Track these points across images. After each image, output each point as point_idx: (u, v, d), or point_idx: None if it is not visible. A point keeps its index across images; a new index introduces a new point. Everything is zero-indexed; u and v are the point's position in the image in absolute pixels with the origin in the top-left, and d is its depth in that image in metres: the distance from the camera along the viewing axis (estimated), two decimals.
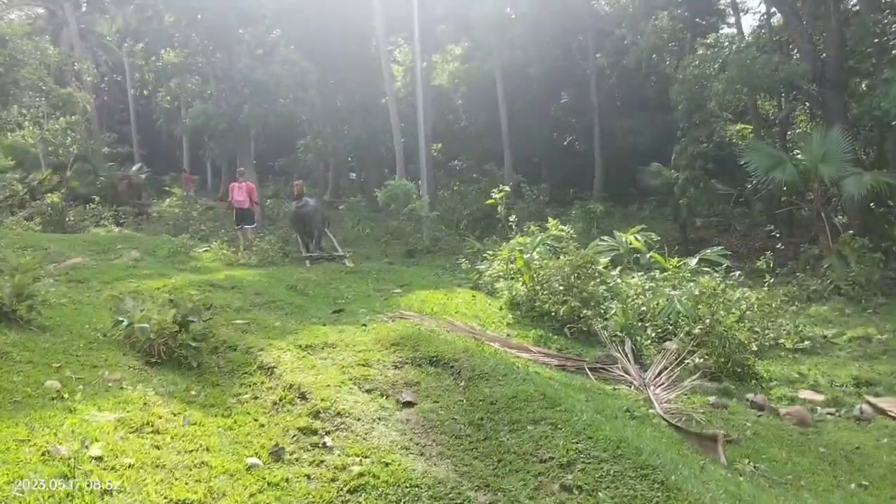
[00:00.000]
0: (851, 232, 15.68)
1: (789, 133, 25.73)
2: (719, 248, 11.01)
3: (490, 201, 15.47)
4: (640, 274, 11.06)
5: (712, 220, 25.69)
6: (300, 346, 6.86)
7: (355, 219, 18.47)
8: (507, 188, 15.01)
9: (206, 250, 14.80)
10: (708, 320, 8.40)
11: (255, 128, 22.16)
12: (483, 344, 8.37)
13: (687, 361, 8.29)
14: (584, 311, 9.50)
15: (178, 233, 18.81)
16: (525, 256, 9.97)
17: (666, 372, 7.97)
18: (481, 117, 41.00)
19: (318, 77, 26.13)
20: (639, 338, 8.99)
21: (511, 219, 14.03)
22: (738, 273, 11.48)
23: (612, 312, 9.92)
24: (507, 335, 9.32)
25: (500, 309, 10.58)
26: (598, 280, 9.87)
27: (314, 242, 16.11)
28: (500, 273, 11.89)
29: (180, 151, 39.66)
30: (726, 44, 21.28)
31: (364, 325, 8.35)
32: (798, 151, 17.58)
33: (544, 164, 39.85)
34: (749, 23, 31.16)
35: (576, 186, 36.83)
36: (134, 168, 31.00)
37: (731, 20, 31.40)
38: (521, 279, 10.82)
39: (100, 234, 18.10)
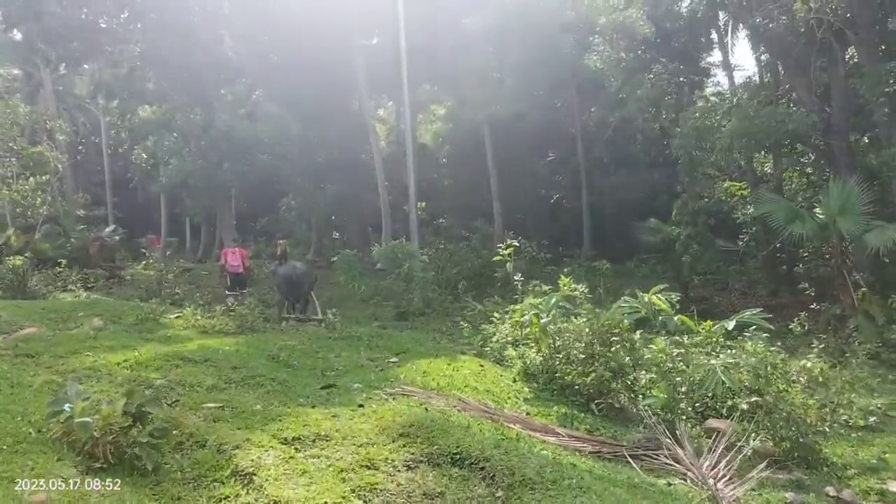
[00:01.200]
0: (864, 289, 14.72)
1: (786, 189, 25.09)
2: (757, 309, 9.82)
3: (498, 257, 14.27)
4: (664, 339, 9.85)
5: (709, 277, 24.77)
6: (286, 441, 5.51)
7: (349, 274, 17.22)
8: (515, 243, 13.85)
9: (179, 316, 13.37)
10: (769, 396, 7.15)
11: (235, 185, 21.02)
12: (504, 426, 7.06)
13: (739, 444, 7.02)
14: (614, 385, 8.23)
15: (151, 297, 17.44)
16: (542, 321, 8.74)
17: (720, 458, 6.69)
18: (465, 175, 40.38)
19: (300, 132, 25.20)
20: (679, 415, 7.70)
21: (516, 277, 12.81)
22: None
23: (643, 383, 8.68)
24: (527, 413, 8.00)
25: (514, 381, 9.26)
26: (627, 347, 8.63)
27: (299, 307, 15.53)
28: (510, 338, 10.60)
29: (159, 213, 38.38)
30: (727, 95, 20.60)
31: (361, 405, 7.01)
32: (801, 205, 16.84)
33: (531, 221, 39.12)
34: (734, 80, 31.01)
35: (563, 244, 36.10)
36: (108, 230, 29.62)
37: (716, 78, 31.35)
38: (534, 346, 9.55)
39: (64, 300, 16.65)
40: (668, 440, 7.02)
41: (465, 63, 30.24)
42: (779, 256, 24.63)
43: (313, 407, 7.01)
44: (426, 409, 7.00)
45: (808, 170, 24.81)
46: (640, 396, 8.42)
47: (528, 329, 9.26)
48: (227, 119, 20.93)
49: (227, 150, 20.83)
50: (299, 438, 5.55)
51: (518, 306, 10.94)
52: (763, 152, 18.88)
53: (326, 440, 5.51)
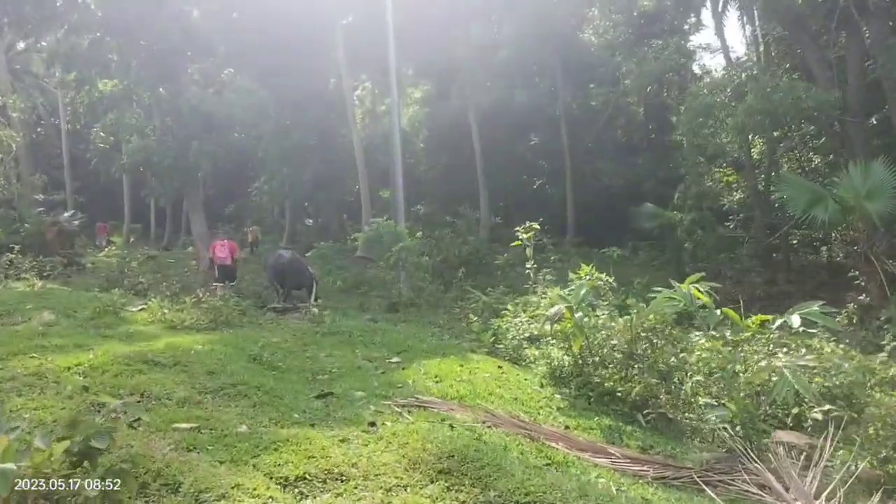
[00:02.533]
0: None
1: (773, 174, 24.10)
2: (818, 302, 8.58)
3: (516, 243, 12.82)
4: (701, 336, 8.60)
5: (700, 266, 23.75)
6: (287, 482, 4.12)
7: (325, 268, 15.70)
8: (536, 226, 12.45)
9: (143, 309, 11.80)
10: (871, 407, 5.92)
11: (204, 166, 19.30)
12: (546, 446, 5.76)
13: (824, 464, 5.79)
14: (664, 394, 6.95)
15: (112, 287, 15.74)
16: (577, 315, 7.42)
17: (813, 482, 5.46)
18: (444, 160, 39.10)
19: (276, 112, 23.53)
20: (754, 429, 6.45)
21: (528, 265, 11.46)
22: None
23: (688, 389, 7.42)
24: (566, 427, 6.68)
25: (542, 386, 7.92)
26: (674, 347, 7.36)
27: (287, 292, 14.91)
28: (527, 335, 9.27)
29: (122, 197, 36.28)
30: (736, 71, 19.39)
31: (372, 423, 5.64)
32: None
33: (514, 207, 37.98)
34: (721, 62, 29.85)
35: (547, 231, 34.98)
36: (66, 214, 27.65)
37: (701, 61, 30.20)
38: (562, 345, 8.21)
39: (14, 290, 14.90)
40: (750, 462, 5.76)
41: (451, 41, 28.83)
42: (774, 244, 23.72)
43: (312, 426, 5.60)
44: (451, 427, 5.66)
45: (811, 154, 23.83)
46: (695, 405, 7.14)
47: (555, 325, 7.90)
48: (196, 92, 19.20)
49: (195, 128, 19.10)
50: (304, 478, 4.17)
51: (535, 298, 9.61)
52: (778, 132, 17.72)
53: (341, 481, 4.14)
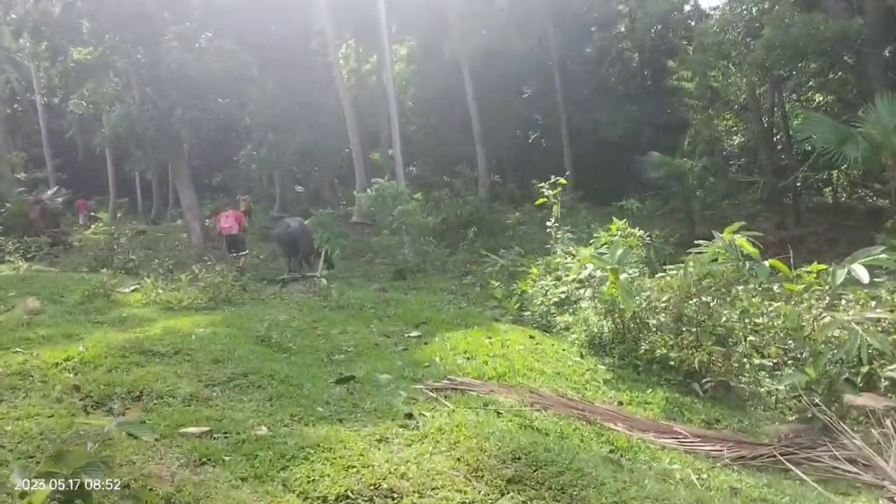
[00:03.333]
0: None
1: (792, 114, 23.21)
2: (879, 247, 7.82)
3: (541, 200, 11.81)
4: (748, 289, 7.88)
5: (707, 213, 23.02)
6: (324, 503, 3.40)
7: (324, 236, 14.88)
8: (563, 180, 11.51)
9: (136, 289, 11.00)
10: None
11: (189, 135, 18.28)
12: (604, 428, 5.06)
13: None
14: (722, 359, 6.24)
15: (101, 266, 14.90)
16: (622, 278, 6.64)
17: None
18: (435, 119, 37.98)
19: (259, 75, 22.37)
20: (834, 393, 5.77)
21: (549, 224, 10.63)
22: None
23: (743, 348, 6.73)
24: (620, 404, 5.98)
25: (581, 356, 7.21)
26: (737, 308, 6.64)
27: (299, 262, 14.52)
28: (558, 299, 8.51)
29: (106, 172, 35.04)
30: (747, 5, 18.29)
31: (409, 415, 4.91)
32: None
33: (509, 163, 37.07)
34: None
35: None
36: (49, 192, 26.59)
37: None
38: (600, 310, 7.44)
39: None
40: (840, 434, 5.10)
41: None
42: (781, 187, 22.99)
43: (341, 421, 4.88)
44: (498, 414, 4.96)
45: (814, 93, 22.94)
46: (753, 371, 6.44)
47: (592, 288, 7.15)
48: (176, 56, 18.09)
49: (177, 95, 18.05)
50: (347, 497, 3.43)
51: (559, 258, 8.84)
52: (802, 62, 16.74)
53: (392, 498, 3.40)
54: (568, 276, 8.33)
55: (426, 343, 7.71)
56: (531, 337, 7.69)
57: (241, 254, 15.17)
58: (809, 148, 14.07)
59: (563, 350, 7.36)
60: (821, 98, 23.85)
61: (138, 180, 37.50)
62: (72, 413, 4.81)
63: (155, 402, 5.25)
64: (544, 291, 8.73)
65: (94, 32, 19.52)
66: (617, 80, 37.37)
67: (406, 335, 8.28)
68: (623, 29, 34.89)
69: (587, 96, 35.12)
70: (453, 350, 7.15)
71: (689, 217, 19.34)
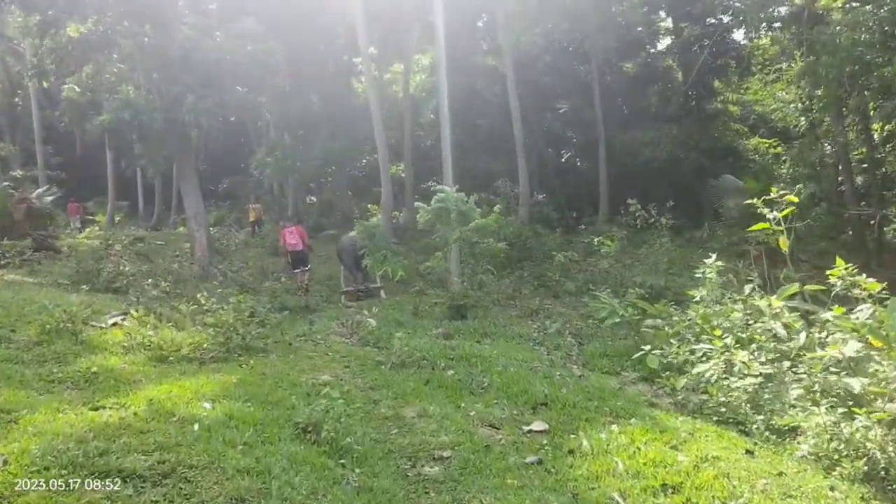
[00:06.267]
0: None
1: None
2: None
3: (761, 225, 8.09)
4: None
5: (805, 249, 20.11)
6: None
7: (379, 255, 11.95)
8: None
9: (118, 323, 8.03)
10: None
11: (202, 125, 15.37)
12: None
13: None
14: None
15: (84, 280, 11.86)
16: None
17: None
18: (457, 131, 35.37)
19: (283, 68, 19.57)
20: None
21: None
22: None
23: None
24: None
25: (846, 498, 4.22)
26: None
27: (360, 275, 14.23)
28: (756, 379, 5.39)
29: (105, 171, 32.14)
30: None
31: None
32: None
33: (540, 182, 34.36)
34: None
35: (575, 208, 31.57)
36: (38, 190, 23.74)
37: None
38: (851, 406, 4.43)
39: None
40: None
41: None
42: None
43: None
44: None
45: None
46: None
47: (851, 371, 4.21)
48: (190, 36, 15.33)
49: (190, 81, 15.23)
50: None
51: (738, 313, 5.90)
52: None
53: None
54: (765, 342, 5.44)
55: (568, 450, 4.77)
56: (748, 452, 4.70)
57: (305, 269, 14.46)
58: None
59: (815, 480, 4.32)
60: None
61: (140, 182, 34.73)
62: None
63: None
64: (740, 370, 5.56)
65: (93, 5, 16.75)
66: (659, 98, 34.82)
67: (524, 427, 5.34)
68: (667, 46, 32.62)
69: (627, 115, 32.61)
70: (630, 472, 4.21)
71: (791, 254, 16.39)
